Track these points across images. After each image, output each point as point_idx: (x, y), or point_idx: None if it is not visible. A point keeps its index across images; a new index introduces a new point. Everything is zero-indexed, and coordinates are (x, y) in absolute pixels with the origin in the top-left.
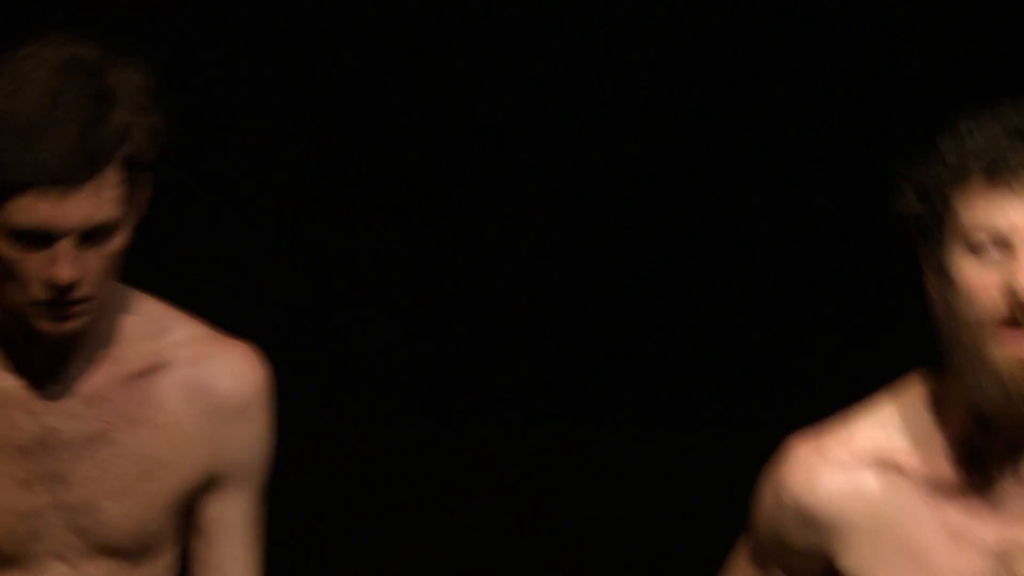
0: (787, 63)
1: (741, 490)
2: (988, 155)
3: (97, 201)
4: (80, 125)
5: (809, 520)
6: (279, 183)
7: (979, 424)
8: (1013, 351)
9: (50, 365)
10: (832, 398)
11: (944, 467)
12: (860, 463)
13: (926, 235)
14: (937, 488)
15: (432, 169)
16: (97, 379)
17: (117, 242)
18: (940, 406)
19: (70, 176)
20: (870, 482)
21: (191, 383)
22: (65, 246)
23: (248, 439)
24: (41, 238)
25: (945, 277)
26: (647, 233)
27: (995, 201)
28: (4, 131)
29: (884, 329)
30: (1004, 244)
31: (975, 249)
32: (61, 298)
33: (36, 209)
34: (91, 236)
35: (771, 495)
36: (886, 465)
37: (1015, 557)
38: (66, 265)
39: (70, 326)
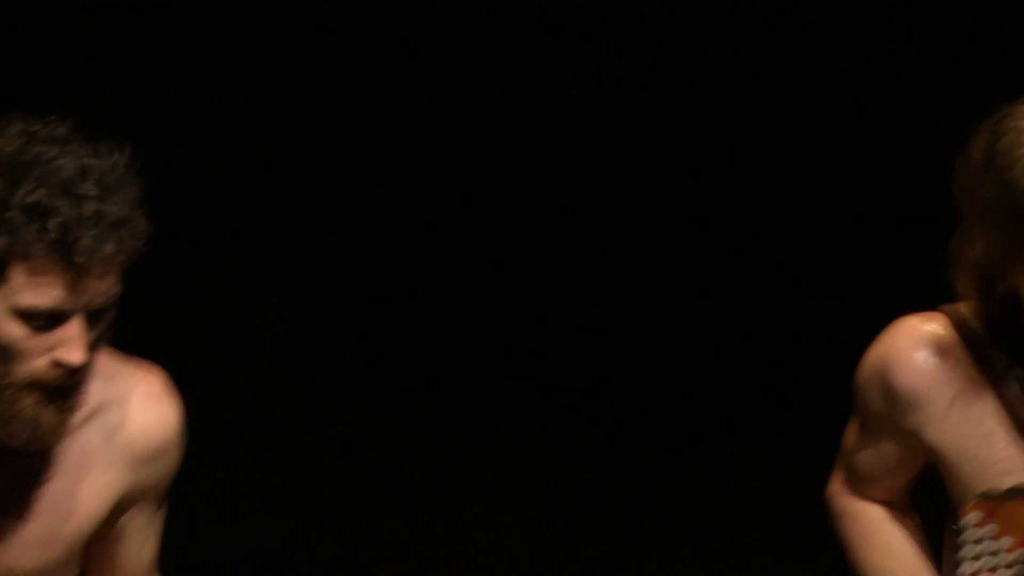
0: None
1: None
2: (59, 235)
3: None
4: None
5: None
6: None
7: None
8: (43, 397)
9: None
10: None
11: None
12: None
13: None
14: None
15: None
16: None
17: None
18: None
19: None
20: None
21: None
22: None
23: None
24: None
25: None
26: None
27: (57, 281)
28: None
29: None
30: (56, 318)
31: (25, 317)
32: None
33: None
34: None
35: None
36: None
37: None
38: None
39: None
